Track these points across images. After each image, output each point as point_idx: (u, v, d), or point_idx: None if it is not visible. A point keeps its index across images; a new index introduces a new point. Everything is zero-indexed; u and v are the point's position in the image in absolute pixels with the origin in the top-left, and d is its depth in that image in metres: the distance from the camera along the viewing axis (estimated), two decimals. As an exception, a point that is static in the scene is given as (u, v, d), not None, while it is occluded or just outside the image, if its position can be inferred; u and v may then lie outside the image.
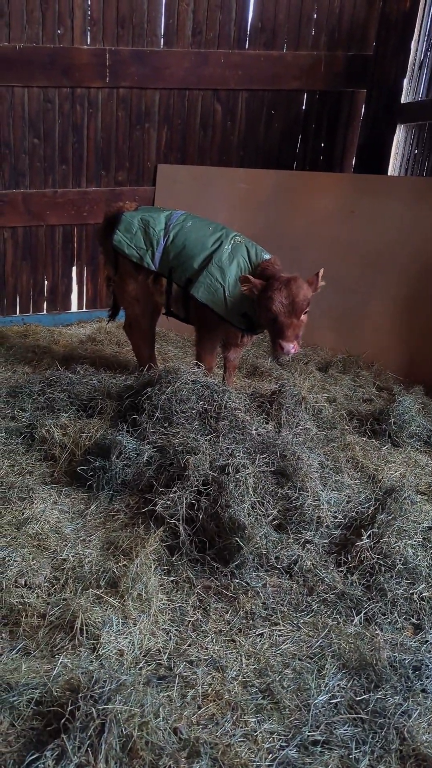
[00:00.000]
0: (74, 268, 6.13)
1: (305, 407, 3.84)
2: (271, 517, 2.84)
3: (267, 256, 3.95)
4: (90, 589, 2.53)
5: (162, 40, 5.60)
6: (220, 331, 4.06)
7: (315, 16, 5.81)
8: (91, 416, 3.70)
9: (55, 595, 2.54)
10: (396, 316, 5.15)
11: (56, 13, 5.26)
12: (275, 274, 3.73)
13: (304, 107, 6.10)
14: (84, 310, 6.25)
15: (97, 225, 5.78)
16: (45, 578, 2.61)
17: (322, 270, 3.77)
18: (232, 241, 3.93)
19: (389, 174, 6.09)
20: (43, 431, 3.56)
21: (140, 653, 2.32)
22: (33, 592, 2.53)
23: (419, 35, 5.81)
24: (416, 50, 5.84)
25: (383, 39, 5.80)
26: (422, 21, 5.77)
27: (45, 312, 6.13)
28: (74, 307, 6.26)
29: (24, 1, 5.14)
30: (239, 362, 4.74)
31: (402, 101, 5.90)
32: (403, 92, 5.92)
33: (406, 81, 5.89)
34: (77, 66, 5.42)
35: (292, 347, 3.61)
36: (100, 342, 5.44)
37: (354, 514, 3.02)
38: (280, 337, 3.61)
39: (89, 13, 5.36)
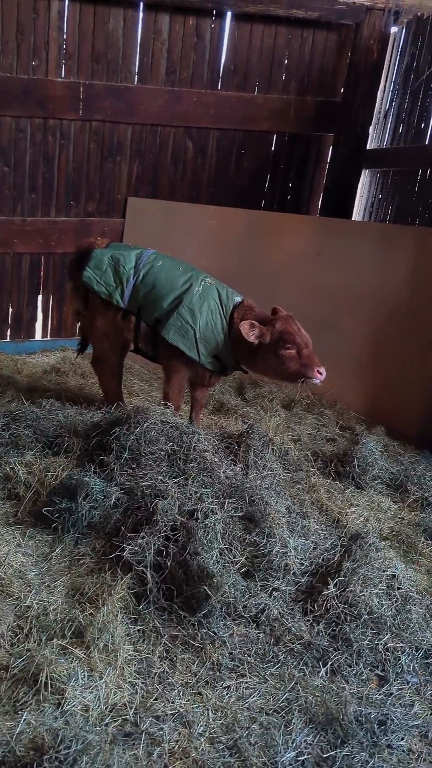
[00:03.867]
0: (40, 297, 6.09)
1: (272, 449, 3.87)
2: (239, 565, 2.84)
3: (238, 298, 4.01)
4: (55, 639, 2.48)
5: (136, 76, 5.68)
6: (188, 372, 4.08)
7: (286, 62, 5.98)
8: (57, 454, 3.64)
9: (18, 646, 2.48)
10: (360, 357, 5.26)
11: (32, 45, 5.30)
12: (262, 316, 3.90)
13: (273, 148, 6.24)
14: (48, 338, 6.20)
15: (65, 254, 5.77)
16: (8, 627, 2.55)
17: (276, 306, 4.00)
18: (203, 283, 3.97)
19: (353, 217, 6.26)
20: (8, 469, 3.49)
21: (106, 708, 2.27)
22: (-4, 642, 2.47)
23: (385, 85, 6.04)
24: (382, 99, 6.07)
25: (351, 87, 5.99)
26: (388, 72, 6.01)
27: (8, 339, 6.06)
28: (38, 336, 6.21)
29: (-1, 32, 5.16)
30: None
31: (368, 147, 6.10)
32: (369, 139, 6.13)
33: (371, 128, 6.10)
34: (51, 98, 5.44)
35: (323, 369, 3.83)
36: (65, 373, 5.38)
37: (320, 560, 3.05)
38: (315, 365, 3.79)
39: (64, 46, 5.40)
